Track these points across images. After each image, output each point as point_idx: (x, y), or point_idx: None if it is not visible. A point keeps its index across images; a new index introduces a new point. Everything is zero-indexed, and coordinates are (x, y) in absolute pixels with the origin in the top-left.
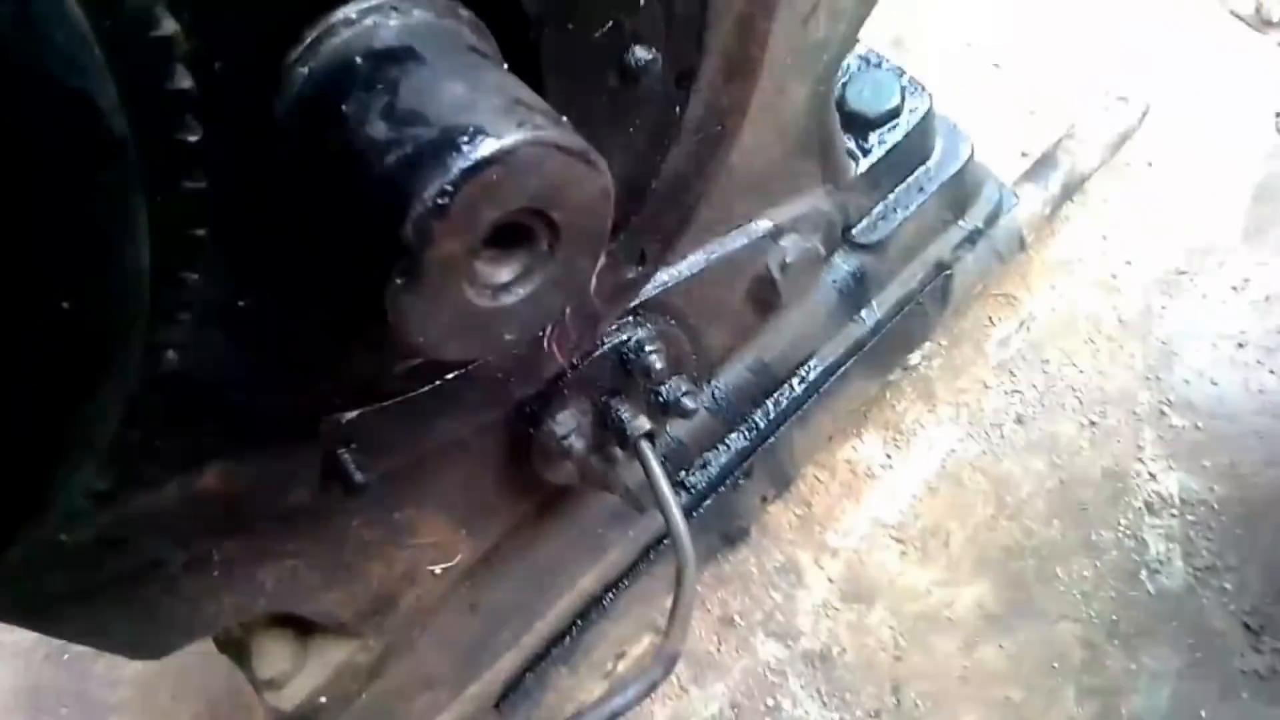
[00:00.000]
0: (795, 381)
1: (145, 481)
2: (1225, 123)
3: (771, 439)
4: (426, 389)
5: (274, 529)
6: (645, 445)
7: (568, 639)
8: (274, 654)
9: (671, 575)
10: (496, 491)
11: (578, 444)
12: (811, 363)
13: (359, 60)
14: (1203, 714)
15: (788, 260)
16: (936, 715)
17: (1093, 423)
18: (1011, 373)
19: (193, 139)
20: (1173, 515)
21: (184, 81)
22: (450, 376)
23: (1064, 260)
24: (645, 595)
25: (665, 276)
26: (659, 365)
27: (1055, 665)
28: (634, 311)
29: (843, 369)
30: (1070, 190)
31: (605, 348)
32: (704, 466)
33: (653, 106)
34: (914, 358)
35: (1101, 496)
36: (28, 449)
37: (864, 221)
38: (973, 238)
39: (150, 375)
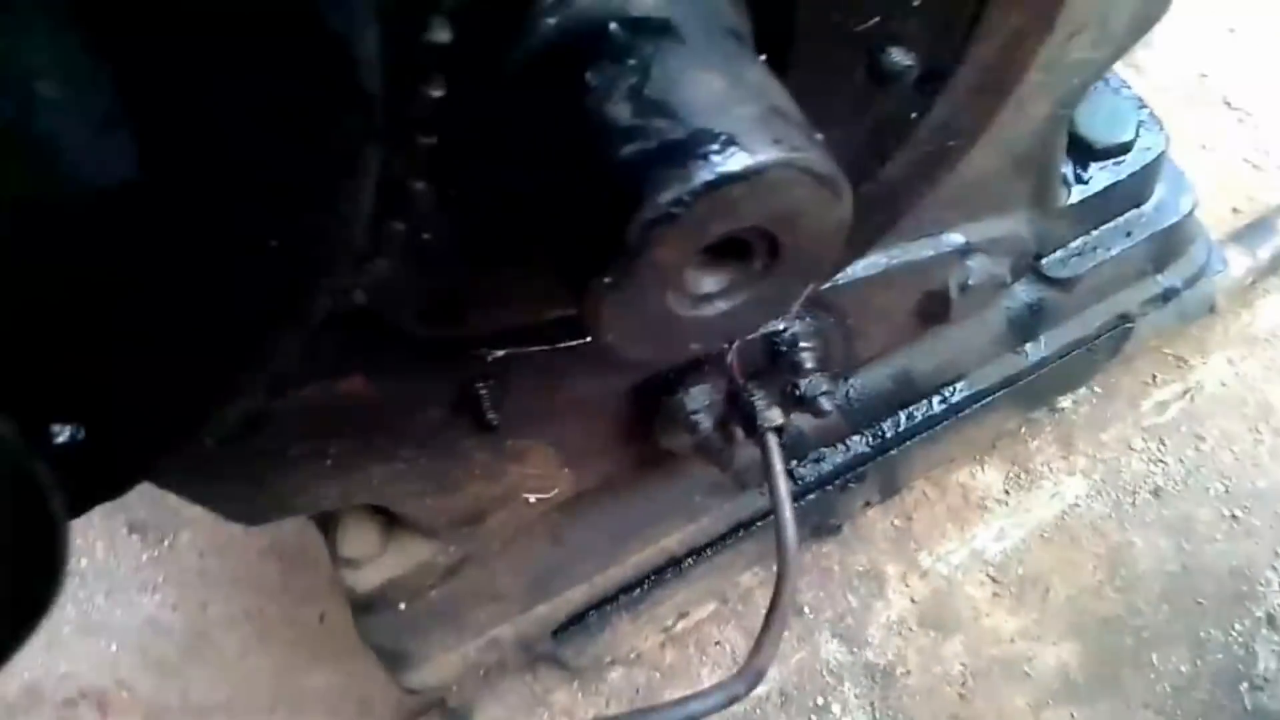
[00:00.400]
0: (936, 400)
1: (295, 378)
2: None
3: (894, 451)
4: (574, 344)
5: (393, 436)
6: (772, 439)
7: (638, 590)
8: (359, 537)
9: (755, 555)
10: (608, 440)
11: (705, 421)
12: (959, 385)
13: (613, 26)
14: None
15: (970, 281)
16: None
17: (1234, 516)
18: (1162, 440)
19: (437, 94)
20: None
21: (442, 34)
22: None
23: (1251, 336)
24: (723, 567)
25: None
26: (809, 364)
27: None
28: None
29: (990, 399)
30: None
31: (759, 333)
32: (817, 461)
33: (892, 112)
34: (1063, 400)
35: (1223, 595)
36: (260, 314)
37: (1058, 253)
38: (1167, 295)
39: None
